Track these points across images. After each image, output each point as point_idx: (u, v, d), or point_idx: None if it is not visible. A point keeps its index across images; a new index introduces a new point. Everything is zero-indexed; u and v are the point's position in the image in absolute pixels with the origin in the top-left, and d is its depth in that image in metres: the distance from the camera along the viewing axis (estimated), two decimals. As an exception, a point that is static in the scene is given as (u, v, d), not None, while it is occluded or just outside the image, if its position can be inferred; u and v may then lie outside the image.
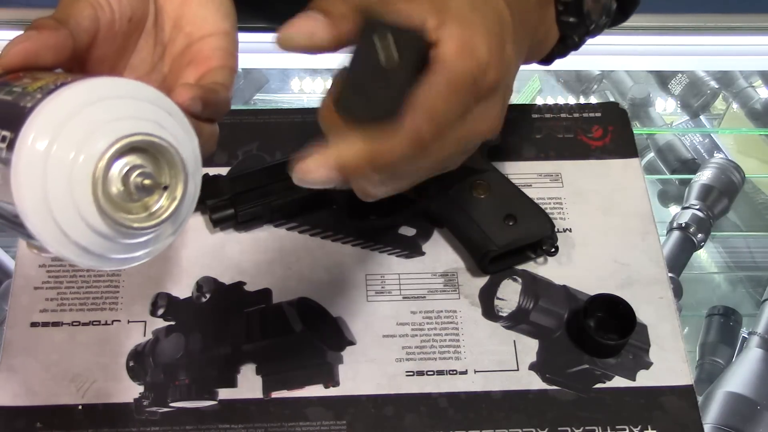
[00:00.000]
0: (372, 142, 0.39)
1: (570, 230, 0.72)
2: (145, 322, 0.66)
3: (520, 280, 0.69)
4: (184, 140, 0.37)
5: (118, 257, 0.36)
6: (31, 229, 0.33)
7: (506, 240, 0.67)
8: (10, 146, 0.33)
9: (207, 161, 0.74)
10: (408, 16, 0.39)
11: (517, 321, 0.67)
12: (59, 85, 0.34)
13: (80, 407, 0.62)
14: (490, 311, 0.67)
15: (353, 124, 0.40)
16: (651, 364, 0.65)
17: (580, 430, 0.62)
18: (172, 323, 0.66)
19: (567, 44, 0.53)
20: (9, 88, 0.36)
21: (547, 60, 0.55)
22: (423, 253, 0.70)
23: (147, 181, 0.34)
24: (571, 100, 1.25)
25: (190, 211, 0.37)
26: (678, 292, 0.99)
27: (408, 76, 0.38)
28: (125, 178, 0.34)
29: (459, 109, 0.40)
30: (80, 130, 0.33)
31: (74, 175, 0.33)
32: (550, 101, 1.24)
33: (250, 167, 0.70)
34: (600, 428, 0.62)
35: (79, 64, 0.41)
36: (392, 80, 0.38)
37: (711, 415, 0.85)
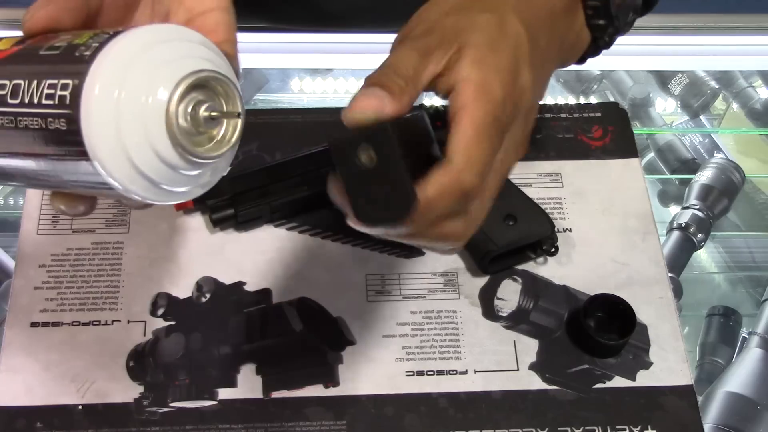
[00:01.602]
0: (423, 212, 0.40)
1: (570, 230, 0.72)
2: (145, 322, 0.66)
3: (520, 280, 0.69)
4: (233, 76, 0.39)
5: (183, 190, 0.39)
6: (105, 167, 0.35)
7: (506, 240, 0.67)
8: (76, 92, 0.35)
9: (207, 161, 0.74)
10: (440, 61, 0.42)
11: (517, 321, 0.67)
12: (111, 35, 0.36)
13: (80, 407, 0.62)
14: (490, 311, 0.67)
15: (384, 225, 0.41)
16: (651, 364, 0.65)
17: (580, 430, 0.62)
18: (172, 323, 0.66)
19: (598, 45, 0.54)
20: (49, 44, 0.38)
21: (579, 61, 0.56)
22: (423, 253, 0.70)
23: (214, 113, 0.37)
24: (571, 100, 1.25)
25: (237, 146, 0.39)
26: (678, 292, 0.99)
27: (399, 161, 0.39)
28: (193, 112, 0.36)
29: (491, 149, 0.42)
30: (148, 71, 0.35)
31: (149, 114, 0.35)
32: (550, 101, 1.24)
33: (250, 167, 0.70)
34: (600, 428, 0.62)
35: (88, 29, 0.42)
36: (389, 174, 0.39)
37: (711, 415, 0.85)
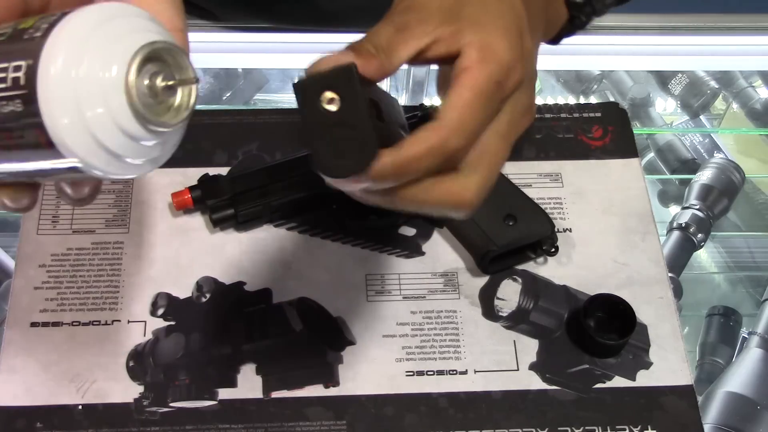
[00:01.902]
0: (395, 164, 0.40)
1: (570, 230, 0.72)
2: (145, 322, 0.66)
3: (520, 280, 0.69)
4: (184, 46, 0.40)
5: (140, 162, 0.39)
6: (66, 143, 0.35)
7: (506, 240, 0.67)
8: (31, 72, 0.35)
9: (207, 161, 0.74)
10: (421, 36, 0.40)
11: (517, 321, 0.67)
12: (60, 16, 0.36)
13: (80, 407, 0.62)
14: (490, 311, 0.67)
15: (342, 175, 0.40)
16: (651, 364, 0.65)
17: (580, 430, 0.62)
18: (172, 323, 0.66)
19: (574, 24, 0.54)
20: None
21: (554, 40, 0.55)
22: (423, 253, 0.70)
23: (171, 82, 0.37)
24: (571, 100, 1.25)
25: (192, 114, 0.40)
26: (678, 292, 0.99)
27: (362, 107, 0.38)
28: (150, 83, 0.37)
29: (486, 114, 0.41)
30: (103, 46, 0.35)
31: (108, 88, 0.35)
32: (550, 101, 1.24)
33: (250, 167, 0.70)
34: (600, 428, 0.62)
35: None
36: (351, 120, 0.38)
37: (711, 415, 0.85)
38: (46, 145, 0.36)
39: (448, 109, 0.40)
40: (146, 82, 0.37)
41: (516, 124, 0.43)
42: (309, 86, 0.39)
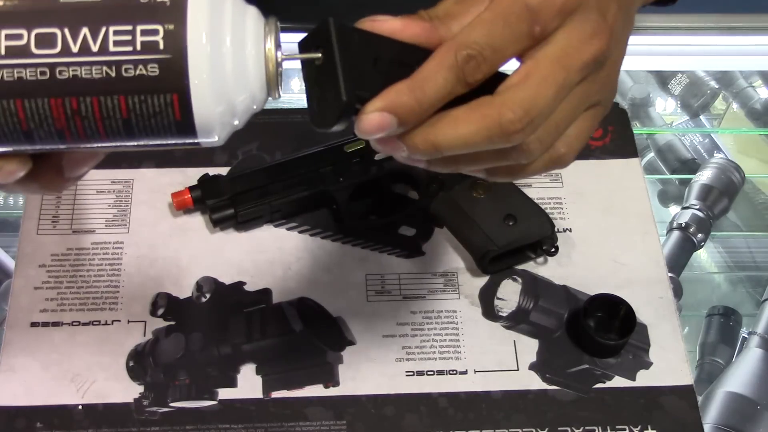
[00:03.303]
0: (409, 85, 0.37)
1: (570, 230, 0.72)
2: (145, 322, 0.66)
3: (520, 280, 0.69)
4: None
5: (236, 126, 0.40)
6: (209, 120, 0.37)
7: (506, 240, 0.67)
8: (173, 38, 0.36)
9: (207, 161, 0.74)
10: (481, 4, 0.38)
11: (517, 321, 0.67)
12: None
13: (80, 407, 0.62)
14: (490, 311, 0.67)
15: (326, 126, 0.39)
16: (651, 364, 0.65)
17: (580, 430, 0.62)
18: (172, 323, 0.66)
19: None
20: None
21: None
22: (423, 253, 0.70)
23: (295, 54, 0.39)
24: (571, 100, 1.24)
25: None
26: (678, 292, 0.99)
27: (336, 57, 0.38)
28: (275, 55, 0.38)
29: (507, 34, 0.37)
30: (238, 17, 0.37)
31: (252, 60, 0.37)
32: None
33: (250, 167, 0.70)
34: (600, 428, 0.62)
35: None
36: (331, 73, 0.38)
37: (711, 415, 0.85)
38: (178, 115, 0.37)
39: (465, 28, 0.38)
40: (279, 55, 0.38)
41: (575, 48, 0.38)
42: (302, 43, 0.40)
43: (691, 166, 1.18)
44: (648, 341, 0.66)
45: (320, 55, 0.38)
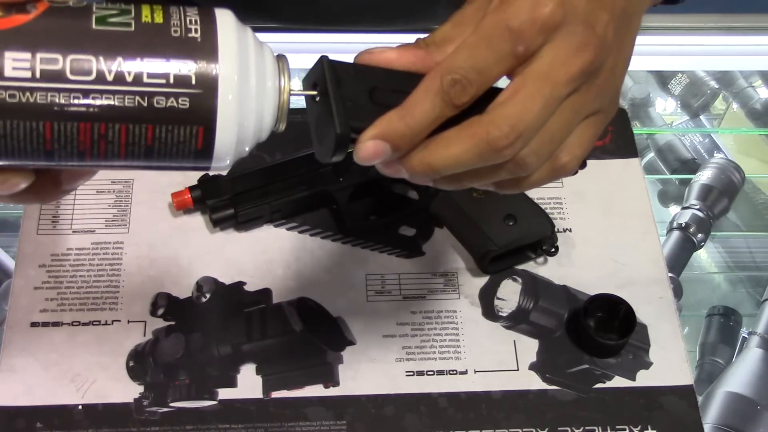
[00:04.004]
0: (399, 112, 0.39)
1: (570, 230, 0.72)
2: (145, 322, 0.66)
3: (520, 280, 0.69)
4: None
5: (245, 153, 0.42)
6: (227, 152, 0.39)
7: (506, 240, 0.67)
8: (205, 76, 0.37)
9: (207, 161, 0.74)
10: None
11: (517, 321, 0.67)
12: (206, 16, 0.39)
13: (80, 407, 0.62)
14: (490, 311, 0.67)
15: (328, 159, 0.42)
16: (651, 364, 0.65)
17: (580, 430, 0.62)
18: (172, 323, 0.66)
19: None
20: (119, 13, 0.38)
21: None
22: (423, 253, 0.70)
23: (298, 91, 0.41)
24: (571, 100, 1.24)
25: None
26: (678, 292, 0.99)
27: (331, 95, 0.40)
28: (288, 92, 0.41)
29: (491, 51, 0.39)
30: (258, 56, 0.39)
31: (270, 96, 0.40)
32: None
33: (250, 167, 0.70)
34: (600, 428, 0.62)
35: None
36: (327, 108, 0.40)
37: (711, 415, 0.85)
38: (200, 145, 0.39)
39: (450, 54, 0.39)
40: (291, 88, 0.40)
41: (561, 62, 0.39)
42: (304, 79, 0.42)
43: (691, 166, 1.19)
44: (648, 341, 0.66)
45: (316, 92, 0.41)
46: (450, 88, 0.39)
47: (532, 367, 0.65)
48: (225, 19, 0.39)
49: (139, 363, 0.64)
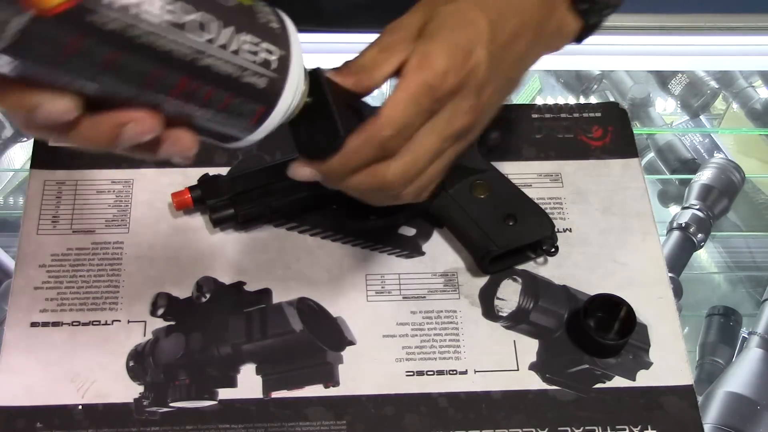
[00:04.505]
0: (340, 159, 0.47)
1: (570, 230, 0.72)
2: (145, 322, 0.66)
3: (520, 280, 0.69)
4: None
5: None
6: (268, 129, 0.45)
7: (506, 240, 0.67)
8: (283, 65, 0.43)
9: (207, 161, 0.74)
10: (400, 53, 0.48)
11: (517, 321, 0.67)
12: (275, 9, 0.44)
13: (80, 407, 0.62)
14: (490, 311, 0.67)
15: (318, 158, 0.48)
16: (651, 364, 0.65)
17: (580, 430, 0.62)
18: (172, 323, 0.66)
19: (590, 25, 0.57)
20: None
21: (578, 41, 0.60)
22: (423, 253, 0.70)
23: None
24: (571, 100, 1.25)
25: None
26: (678, 292, 0.99)
27: (329, 102, 0.46)
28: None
29: (417, 112, 0.47)
30: (301, 59, 0.45)
31: (298, 95, 0.45)
32: (550, 101, 1.24)
33: (250, 167, 0.70)
34: (600, 428, 0.62)
35: None
36: (320, 112, 0.46)
37: (711, 415, 0.85)
38: (254, 121, 0.44)
39: (385, 106, 0.47)
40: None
41: (451, 123, 0.49)
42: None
43: (691, 166, 1.19)
44: (648, 341, 0.66)
45: (310, 99, 0.46)
46: (388, 141, 0.47)
47: (532, 367, 0.65)
48: (286, 16, 0.44)
49: (139, 363, 0.64)
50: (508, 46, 0.52)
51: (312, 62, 0.47)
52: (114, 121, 0.39)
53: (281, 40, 0.43)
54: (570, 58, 1.07)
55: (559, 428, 0.62)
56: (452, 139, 0.50)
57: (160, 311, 0.66)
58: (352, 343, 0.65)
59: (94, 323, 0.65)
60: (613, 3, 0.57)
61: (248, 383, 0.63)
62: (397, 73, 0.48)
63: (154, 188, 0.72)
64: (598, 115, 0.78)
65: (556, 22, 0.56)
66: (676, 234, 1.06)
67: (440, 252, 0.70)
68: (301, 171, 0.49)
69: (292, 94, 0.44)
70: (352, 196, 0.52)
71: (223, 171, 0.72)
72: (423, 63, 0.47)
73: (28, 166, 0.74)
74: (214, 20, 0.39)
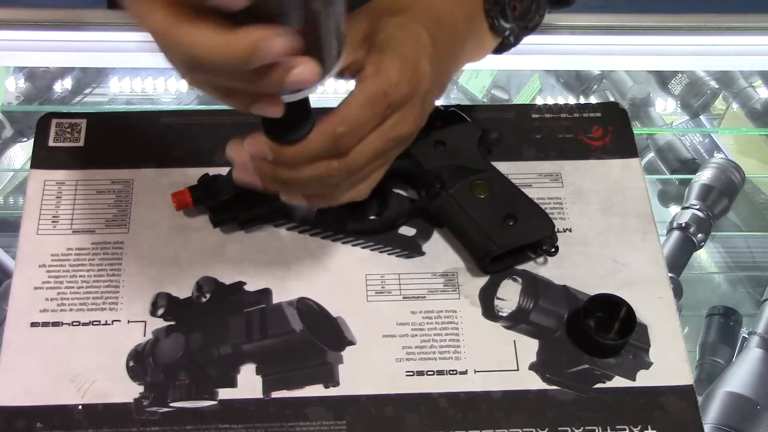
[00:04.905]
0: (294, 149, 0.51)
1: (570, 230, 0.72)
2: (145, 322, 0.66)
3: (520, 280, 0.69)
4: None
5: None
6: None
7: (506, 240, 0.67)
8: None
9: (207, 161, 0.74)
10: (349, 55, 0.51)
11: (517, 321, 0.67)
12: None
13: (80, 407, 0.62)
14: (490, 311, 0.67)
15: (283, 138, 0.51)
16: (651, 364, 0.65)
17: (580, 430, 0.62)
18: (172, 323, 0.66)
19: (504, 44, 0.64)
20: None
21: (497, 52, 0.65)
22: (423, 253, 0.70)
23: None
24: (571, 100, 1.25)
25: None
26: (678, 292, 0.99)
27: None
28: None
29: (371, 115, 0.51)
30: None
31: None
32: (550, 101, 1.24)
33: (250, 167, 0.70)
34: (600, 428, 0.62)
35: None
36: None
37: (711, 415, 0.85)
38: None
39: (341, 106, 0.51)
40: None
41: (397, 128, 0.53)
42: None
43: (691, 166, 1.19)
44: (648, 341, 0.66)
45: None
46: (342, 137, 0.51)
47: (532, 367, 0.65)
48: None
49: (139, 363, 0.64)
50: (443, 59, 0.57)
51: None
52: (257, 35, 0.41)
53: None
54: (570, 58, 1.06)
55: (559, 428, 0.62)
56: (395, 142, 0.54)
57: (160, 311, 0.66)
58: (352, 343, 0.65)
59: (94, 323, 0.65)
60: (531, 26, 0.64)
61: (248, 383, 0.63)
62: (339, 75, 0.52)
63: (154, 188, 0.72)
64: (598, 115, 0.78)
65: (477, 38, 0.62)
66: (676, 234, 1.06)
67: (440, 252, 0.70)
68: (256, 145, 0.51)
69: (337, 68, 0.47)
70: (288, 196, 0.56)
71: (223, 171, 0.72)
72: (378, 72, 0.51)
73: (28, 166, 0.74)
74: None
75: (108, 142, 0.74)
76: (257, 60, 0.41)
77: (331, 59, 0.46)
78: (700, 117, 1.27)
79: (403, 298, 0.68)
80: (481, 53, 0.64)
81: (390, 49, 0.52)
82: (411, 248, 0.70)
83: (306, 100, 0.49)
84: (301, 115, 0.50)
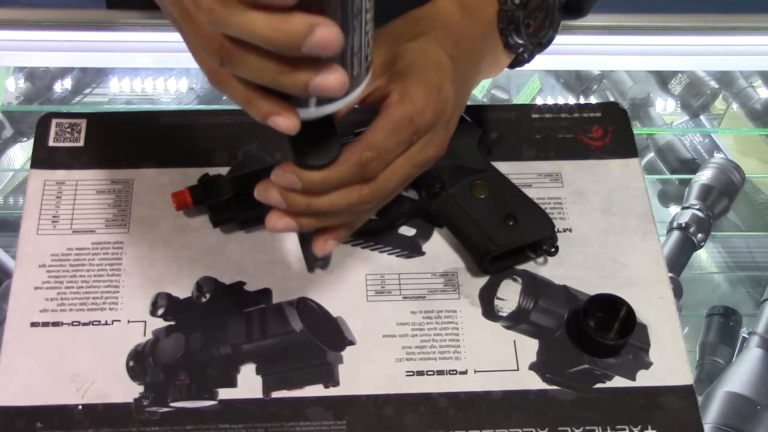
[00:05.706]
0: (322, 174, 0.50)
1: (570, 230, 0.72)
2: (145, 322, 0.66)
3: (520, 280, 0.69)
4: None
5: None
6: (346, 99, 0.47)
7: (506, 240, 0.67)
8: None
9: (207, 161, 0.74)
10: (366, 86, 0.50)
11: (517, 321, 0.67)
12: None
13: (80, 407, 0.62)
14: (490, 311, 0.67)
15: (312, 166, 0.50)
16: (651, 364, 0.65)
17: (580, 430, 0.62)
18: (172, 323, 0.66)
19: (519, 60, 0.65)
20: None
21: (511, 67, 0.66)
22: (423, 253, 0.70)
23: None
24: (571, 100, 1.25)
25: None
26: (678, 292, 0.99)
27: (332, 117, 0.49)
28: None
29: (398, 141, 0.51)
30: None
31: None
32: (550, 101, 1.24)
33: (250, 167, 0.70)
34: (600, 428, 0.62)
35: None
36: (323, 125, 0.48)
37: (711, 415, 0.85)
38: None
39: (368, 132, 0.51)
40: None
41: (424, 152, 0.53)
42: None
43: (691, 166, 1.18)
44: (648, 341, 0.66)
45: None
46: (369, 162, 0.50)
47: (532, 367, 0.65)
48: None
49: (139, 363, 0.64)
50: (463, 79, 0.57)
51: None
52: (308, 21, 0.41)
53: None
54: (570, 58, 1.06)
55: (559, 428, 0.62)
56: (420, 166, 0.54)
57: (160, 311, 0.66)
58: (352, 343, 0.65)
59: (94, 323, 0.65)
60: (545, 42, 0.65)
61: (248, 383, 0.63)
62: (361, 104, 0.52)
63: (154, 188, 0.72)
64: (598, 115, 0.78)
65: (493, 55, 0.63)
66: (676, 234, 1.06)
67: (440, 252, 0.70)
68: (284, 176, 0.50)
69: (361, 89, 0.47)
70: (322, 240, 0.54)
71: (223, 171, 0.72)
72: (404, 98, 0.51)
73: (28, 166, 0.74)
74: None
75: (108, 142, 0.74)
76: (310, 43, 0.41)
77: (356, 78, 0.46)
78: (700, 117, 1.26)
79: (403, 298, 0.68)
80: (496, 70, 0.65)
81: (413, 74, 0.53)
82: (411, 248, 0.70)
83: (331, 121, 0.49)
84: (327, 135, 0.49)
